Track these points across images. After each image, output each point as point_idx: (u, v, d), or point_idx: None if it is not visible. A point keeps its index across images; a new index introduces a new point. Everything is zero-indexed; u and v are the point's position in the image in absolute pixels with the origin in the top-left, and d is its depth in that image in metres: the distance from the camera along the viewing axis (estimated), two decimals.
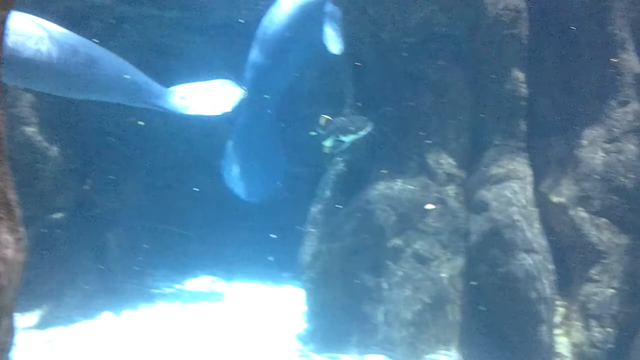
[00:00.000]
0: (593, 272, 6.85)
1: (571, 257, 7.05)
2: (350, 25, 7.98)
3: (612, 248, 6.83)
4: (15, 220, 2.48)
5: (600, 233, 6.88)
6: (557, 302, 6.94)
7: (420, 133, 7.51)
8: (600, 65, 7.24)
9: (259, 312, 8.59)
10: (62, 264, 8.33)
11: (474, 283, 7.11)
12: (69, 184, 8.54)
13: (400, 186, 7.44)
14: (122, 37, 9.10)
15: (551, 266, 6.88)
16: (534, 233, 6.90)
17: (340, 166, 7.93)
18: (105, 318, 8.27)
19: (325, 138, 7.40)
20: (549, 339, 6.72)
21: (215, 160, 9.43)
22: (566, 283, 6.98)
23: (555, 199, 7.14)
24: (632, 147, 7.00)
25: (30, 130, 8.23)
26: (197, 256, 9.69)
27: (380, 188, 7.47)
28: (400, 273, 7.26)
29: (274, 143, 9.62)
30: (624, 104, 7.13)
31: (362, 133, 7.37)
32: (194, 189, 9.39)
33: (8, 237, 2.44)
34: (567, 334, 6.84)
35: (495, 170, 7.23)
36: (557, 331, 6.83)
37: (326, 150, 7.56)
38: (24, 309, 7.91)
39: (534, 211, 7.05)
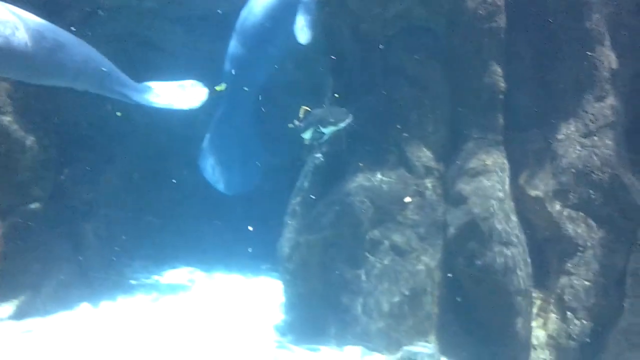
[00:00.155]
0: (569, 264, 6.85)
1: (548, 250, 7.04)
2: (329, 17, 7.86)
3: (588, 241, 6.84)
4: None
5: (577, 226, 6.87)
6: (534, 295, 6.91)
7: (399, 126, 7.41)
8: (577, 59, 7.23)
9: (237, 303, 8.49)
10: (39, 254, 8.13)
11: (450, 275, 7.05)
12: (46, 174, 8.33)
13: (379, 179, 7.36)
14: (99, 27, 8.88)
15: (528, 259, 6.85)
16: (511, 226, 6.87)
17: (319, 158, 7.83)
18: (83, 309, 8.12)
19: (304, 130, 7.26)
20: (525, 331, 6.70)
21: (195, 151, 9.27)
22: (543, 275, 6.97)
23: (532, 192, 7.11)
24: (608, 141, 6.99)
25: (6, 119, 8.00)
26: (175, 247, 9.55)
27: (359, 180, 7.38)
28: (378, 265, 7.18)
29: (253, 135, 9.48)
30: (601, 98, 7.12)
31: (342, 125, 7.25)
32: (172, 180, 9.24)
33: None
34: (544, 326, 6.84)
35: (473, 163, 7.17)
36: (533, 323, 6.82)
37: (306, 142, 7.43)
38: (0, 299, 7.74)
39: (511, 204, 7.02)
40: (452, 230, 7.06)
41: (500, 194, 6.96)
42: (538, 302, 6.94)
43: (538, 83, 7.39)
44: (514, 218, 6.94)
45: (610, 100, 7.10)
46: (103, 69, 7.41)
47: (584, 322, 6.67)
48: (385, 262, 7.17)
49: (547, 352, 6.76)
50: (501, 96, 7.29)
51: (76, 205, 8.62)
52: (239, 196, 9.36)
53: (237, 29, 9.07)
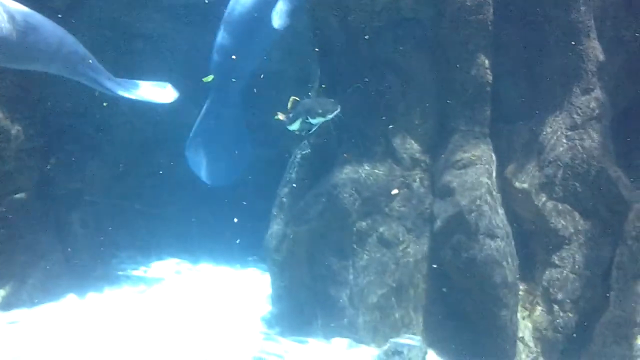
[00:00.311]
0: (555, 257, 6.76)
1: (534, 243, 6.95)
2: (317, 7, 7.67)
3: (574, 234, 6.75)
4: None
5: (563, 219, 6.78)
6: (520, 287, 6.81)
7: (386, 117, 7.27)
8: (564, 52, 7.09)
9: (224, 295, 8.38)
10: (25, 244, 7.98)
11: (435, 266, 6.95)
12: (32, 163, 8.16)
13: (366, 170, 7.24)
14: (84, 15, 8.68)
15: (514, 251, 6.76)
16: (498, 218, 6.77)
17: (307, 149, 7.68)
18: (70, 300, 7.98)
19: (292, 120, 7.10)
20: (512, 324, 6.62)
21: (181, 142, 9.08)
22: (529, 268, 6.89)
23: (518, 184, 7.01)
24: (594, 134, 6.89)
25: None
26: (162, 238, 9.37)
27: (347, 172, 7.25)
28: (365, 257, 7.08)
29: (240, 126, 9.28)
30: (587, 91, 7.00)
31: (330, 116, 7.10)
32: (160, 172, 9.05)
33: None
34: (530, 318, 6.75)
35: (460, 155, 7.07)
36: (520, 315, 6.73)
37: (295, 133, 7.27)
38: None
39: (497, 197, 6.93)
40: (439, 223, 6.96)
41: (487, 187, 6.86)
42: (524, 294, 6.84)
43: (525, 75, 7.26)
44: (500, 211, 6.84)
45: (597, 93, 6.99)
46: (77, 51, 7.21)
47: (570, 314, 6.59)
48: (373, 254, 7.08)
49: (533, 344, 6.68)
50: (488, 88, 7.16)
51: (62, 195, 8.45)
52: (226, 187, 9.18)
53: (225, 19, 8.87)
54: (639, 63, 7.35)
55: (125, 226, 9.10)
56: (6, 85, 7.85)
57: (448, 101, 7.26)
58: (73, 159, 8.52)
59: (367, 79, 7.37)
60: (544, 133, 7.02)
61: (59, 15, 7.77)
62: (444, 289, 6.88)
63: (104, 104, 8.41)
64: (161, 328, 7.32)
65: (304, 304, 7.25)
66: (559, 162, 6.87)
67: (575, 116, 6.96)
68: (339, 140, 7.48)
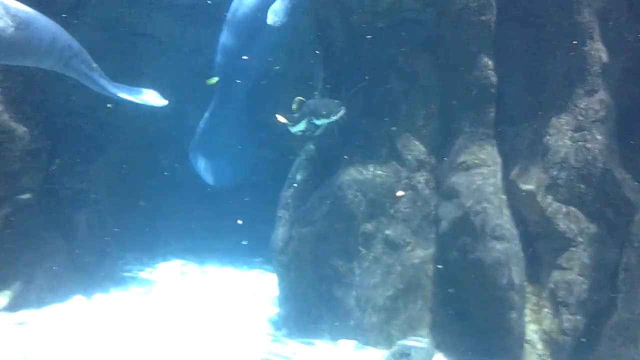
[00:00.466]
0: (562, 259, 6.60)
1: (540, 245, 6.80)
2: (320, 8, 7.50)
3: (580, 236, 6.59)
4: None
5: (569, 221, 6.62)
6: (527, 289, 6.65)
7: (390, 119, 7.10)
8: (568, 53, 6.94)
9: (231, 296, 8.22)
10: (30, 244, 7.82)
11: (440, 266, 6.80)
12: (37, 164, 7.99)
13: (371, 172, 7.10)
14: (88, 15, 8.50)
15: (521, 253, 6.59)
16: (503, 220, 6.63)
17: (312, 150, 7.51)
18: (77, 301, 7.83)
19: (298, 121, 6.93)
20: (519, 326, 6.48)
21: (185, 142, 8.89)
22: (536, 270, 6.74)
23: (524, 186, 6.84)
24: (599, 136, 6.74)
25: None
26: (167, 240, 9.19)
27: (351, 173, 7.12)
28: (371, 258, 6.97)
29: (245, 128, 9.08)
30: (592, 92, 6.86)
31: (335, 117, 6.93)
32: (164, 173, 8.87)
33: None
34: (537, 321, 6.59)
35: (464, 157, 6.94)
36: (527, 318, 6.58)
37: (297, 134, 7.08)
38: None
39: (503, 198, 6.78)
40: (444, 225, 6.83)
41: (492, 188, 6.72)
42: (531, 296, 6.68)
43: (529, 77, 7.12)
44: (506, 212, 6.69)
45: (601, 94, 6.84)
46: (72, 48, 7.01)
47: (577, 317, 6.43)
48: (378, 255, 6.96)
49: (541, 347, 6.52)
50: (492, 90, 7.03)
51: (67, 195, 8.30)
52: (230, 189, 9.00)
53: (228, 20, 8.71)
54: None
55: (130, 227, 8.92)
56: (11, 86, 7.70)
57: (452, 102, 7.11)
58: (78, 159, 8.36)
59: (370, 80, 7.19)
60: (549, 135, 6.86)
61: (63, 15, 7.56)
62: (450, 290, 6.72)
63: (108, 105, 8.21)
64: (168, 329, 7.20)
65: (311, 306, 7.11)
66: (564, 164, 6.71)
67: (579, 118, 6.80)
68: (343, 141, 7.31)
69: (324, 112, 6.98)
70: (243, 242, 8.51)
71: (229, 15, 8.64)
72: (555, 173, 6.74)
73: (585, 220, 6.63)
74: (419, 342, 6.43)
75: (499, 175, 6.83)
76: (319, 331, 6.99)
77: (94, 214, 8.45)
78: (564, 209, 6.65)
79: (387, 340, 6.71)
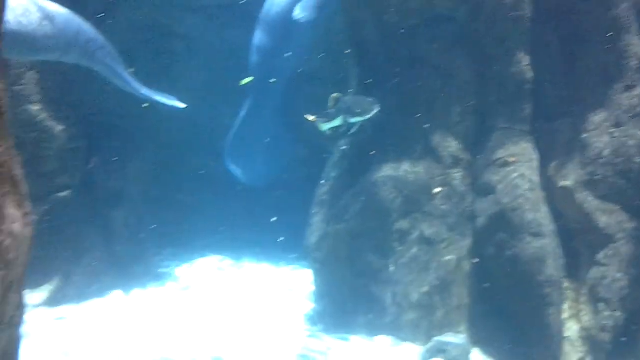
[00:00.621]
0: (601, 255, 6.40)
1: (579, 241, 6.63)
2: (352, 7, 7.35)
3: (619, 232, 6.41)
4: (21, 194, 2.24)
5: (608, 217, 6.44)
6: (566, 286, 6.45)
7: (424, 116, 6.94)
8: (605, 49, 6.73)
9: (268, 292, 8.12)
10: (69, 241, 7.81)
11: (477, 260, 6.61)
12: (75, 162, 7.98)
13: (406, 168, 6.96)
14: (122, 16, 8.40)
15: (559, 249, 6.40)
16: (540, 216, 6.45)
17: (346, 148, 7.37)
18: (115, 296, 7.78)
19: (333, 118, 6.78)
20: (557, 323, 6.29)
21: (220, 141, 8.78)
22: (575, 267, 6.55)
23: (562, 182, 6.66)
24: (638, 131, 6.50)
25: (35, 108, 7.64)
26: (204, 236, 9.07)
27: (386, 170, 6.98)
28: (407, 255, 6.81)
29: (280, 127, 8.95)
30: (630, 88, 6.68)
31: (369, 116, 6.77)
32: (200, 172, 8.77)
33: (15, 212, 2.18)
34: (576, 317, 6.40)
35: (501, 153, 6.79)
36: (566, 315, 6.38)
37: (327, 133, 6.93)
38: (33, 286, 7.36)
39: (540, 195, 6.58)
40: (481, 221, 6.68)
41: (529, 184, 6.54)
42: (570, 293, 6.47)
43: (566, 72, 6.96)
44: (544, 208, 6.50)
45: (639, 89, 6.59)
46: (97, 41, 6.92)
47: (617, 313, 6.23)
48: (414, 252, 6.81)
49: (580, 344, 6.31)
50: (528, 86, 6.86)
51: (105, 193, 8.27)
52: (265, 187, 8.88)
53: (262, 20, 8.56)
54: None
55: (167, 224, 8.83)
56: (49, 86, 7.69)
57: (487, 99, 6.94)
58: (115, 158, 8.29)
59: (404, 77, 7.03)
60: (587, 130, 6.69)
61: (97, 16, 7.49)
62: (487, 285, 6.55)
63: (144, 105, 8.13)
64: (204, 324, 7.12)
65: (346, 302, 6.99)
66: (602, 160, 6.53)
67: (617, 113, 6.60)
68: (377, 138, 7.19)
69: (359, 110, 6.83)
70: (279, 239, 8.38)
71: (262, 14, 8.52)
72: (593, 169, 6.55)
73: (625, 216, 6.44)
74: (456, 338, 6.27)
75: (536, 172, 6.66)
76: (355, 327, 6.86)
77: (131, 211, 8.39)
78: (603, 205, 6.47)
79: (424, 336, 6.55)
